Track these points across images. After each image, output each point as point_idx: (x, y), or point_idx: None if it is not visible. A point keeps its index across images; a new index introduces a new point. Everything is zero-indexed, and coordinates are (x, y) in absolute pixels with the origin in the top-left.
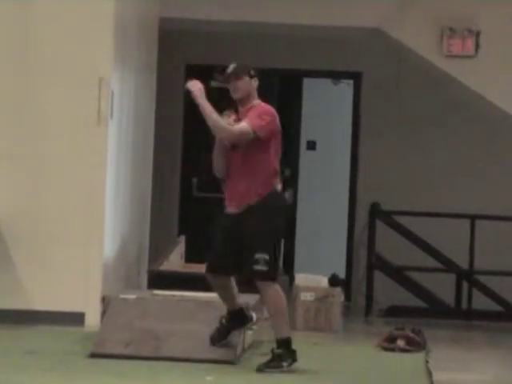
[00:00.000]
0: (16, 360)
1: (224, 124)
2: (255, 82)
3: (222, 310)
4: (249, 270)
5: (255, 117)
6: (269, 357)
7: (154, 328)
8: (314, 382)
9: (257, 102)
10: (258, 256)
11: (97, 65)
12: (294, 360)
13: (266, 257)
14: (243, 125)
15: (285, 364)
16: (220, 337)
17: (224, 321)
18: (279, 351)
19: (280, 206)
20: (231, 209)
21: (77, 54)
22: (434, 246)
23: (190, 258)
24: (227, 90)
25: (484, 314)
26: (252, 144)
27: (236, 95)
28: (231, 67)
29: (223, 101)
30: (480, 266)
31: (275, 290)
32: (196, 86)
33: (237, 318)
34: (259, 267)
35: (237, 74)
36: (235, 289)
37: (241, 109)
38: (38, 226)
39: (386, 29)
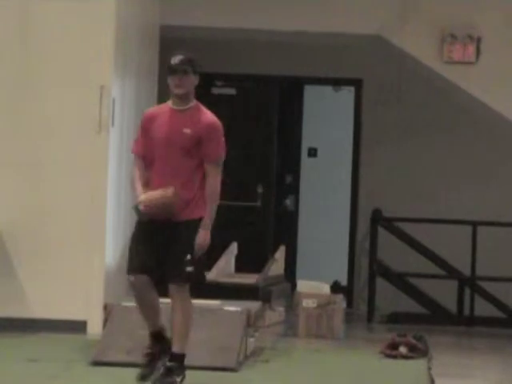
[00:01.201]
0: (18, 368)
1: (215, 191)
2: (197, 80)
3: (222, 318)
4: (179, 271)
5: (219, 145)
6: (161, 370)
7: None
8: None
9: (195, 101)
10: (189, 257)
11: (98, 72)
12: (185, 376)
13: (193, 258)
14: (214, 167)
15: (178, 379)
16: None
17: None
18: (172, 364)
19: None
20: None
21: (78, 62)
22: (435, 252)
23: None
24: (229, 98)
25: (486, 320)
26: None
27: (179, 91)
28: (179, 59)
29: (224, 107)
30: (482, 273)
31: (190, 299)
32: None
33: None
34: (190, 268)
35: (186, 69)
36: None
37: (177, 107)
38: (40, 234)
39: (387, 35)
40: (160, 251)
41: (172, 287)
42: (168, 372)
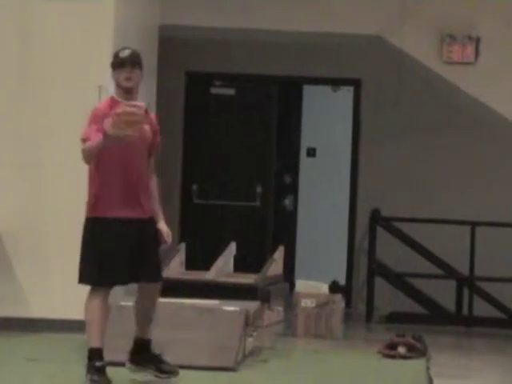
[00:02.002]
0: (16, 368)
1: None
2: (142, 77)
3: (221, 317)
4: (159, 269)
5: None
6: (158, 361)
7: (153, 335)
8: None
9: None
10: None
11: (97, 73)
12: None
13: None
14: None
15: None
16: None
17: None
18: (160, 351)
19: None
20: (135, 213)
21: (77, 62)
22: (434, 252)
23: (190, 265)
24: (227, 98)
25: (485, 320)
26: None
27: (130, 84)
28: (127, 52)
29: (223, 107)
30: (481, 273)
31: None
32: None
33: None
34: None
35: (135, 62)
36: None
37: (129, 102)
38: (39, 234)
39: (386, 36)
40: (134, 252)
41: (151, 286)
42: (163, 358)
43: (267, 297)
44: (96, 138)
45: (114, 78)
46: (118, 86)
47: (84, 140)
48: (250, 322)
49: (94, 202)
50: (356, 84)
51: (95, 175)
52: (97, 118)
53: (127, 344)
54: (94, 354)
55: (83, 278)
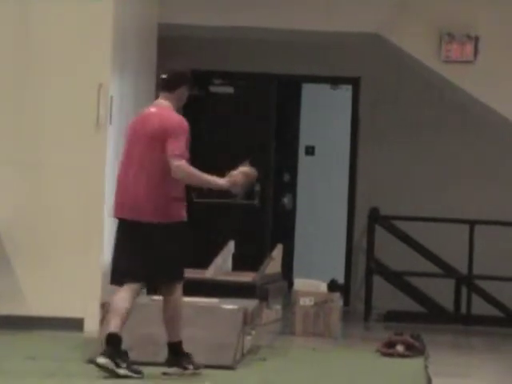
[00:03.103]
0: (15, 366)
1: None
2: None
3: (219, 316)
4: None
5: None
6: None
7: (153, 333)
8: None
9: None
10: None
11: (96, 71)
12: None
13: None
14: None
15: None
16: None
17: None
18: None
19: None
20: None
21: (76, 60)
22: (433, 251)
23: (189, 263)
24: (226, 96)
25: (483, 319)
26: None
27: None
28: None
29: (222, 105)
30: (479, 272)
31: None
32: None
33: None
34: None
35: None
36: None
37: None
38: (38, 233)
39: (385, 34)
40: None
41: None
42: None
43: (266, 295)
44: (211, 177)
45: (181, 92)
46: (180, 100)
47: (181, 156)
48: (248, 321)
49: (181, 206)
50: (355, 82)
51: (172, 181)
52: (186, 133)
53: (127, 342)
54: None
55: (181, 276)
